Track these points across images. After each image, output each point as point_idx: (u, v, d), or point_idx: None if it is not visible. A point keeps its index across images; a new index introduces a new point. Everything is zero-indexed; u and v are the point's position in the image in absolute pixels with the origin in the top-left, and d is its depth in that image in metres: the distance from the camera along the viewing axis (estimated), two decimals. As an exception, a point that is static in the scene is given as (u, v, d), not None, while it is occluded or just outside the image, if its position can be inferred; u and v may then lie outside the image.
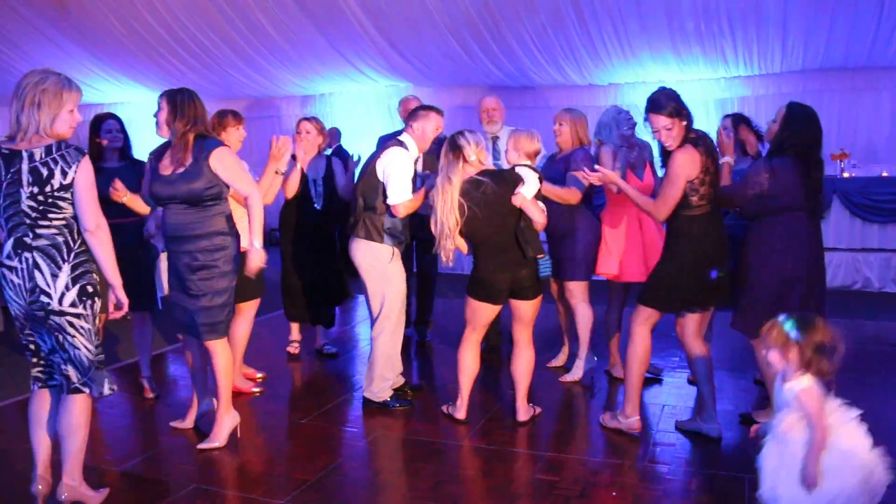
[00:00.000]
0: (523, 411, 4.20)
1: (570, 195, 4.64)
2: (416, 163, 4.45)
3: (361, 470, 3.66)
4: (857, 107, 9.49)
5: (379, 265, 4.33)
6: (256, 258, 3.76)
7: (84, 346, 3.07)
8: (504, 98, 5.95)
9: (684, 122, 3.66)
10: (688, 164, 3.63)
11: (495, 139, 5.49)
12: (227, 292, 3.85)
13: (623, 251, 4.76)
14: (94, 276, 3.12)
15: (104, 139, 4.52)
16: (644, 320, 3.87)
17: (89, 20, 10.25)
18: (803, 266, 3.87)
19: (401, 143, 4.36)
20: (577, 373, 4.90)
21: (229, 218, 3.84)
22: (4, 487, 3.48)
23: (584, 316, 4.85)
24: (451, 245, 3.97)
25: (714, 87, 9.92)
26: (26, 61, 11.71)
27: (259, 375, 5.04)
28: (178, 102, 3.68)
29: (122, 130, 4.60)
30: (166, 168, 3.74)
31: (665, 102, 3.65)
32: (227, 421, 3.94)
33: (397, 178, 4.21)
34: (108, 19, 10.13)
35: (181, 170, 3.68)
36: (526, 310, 4.14)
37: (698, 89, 9.77)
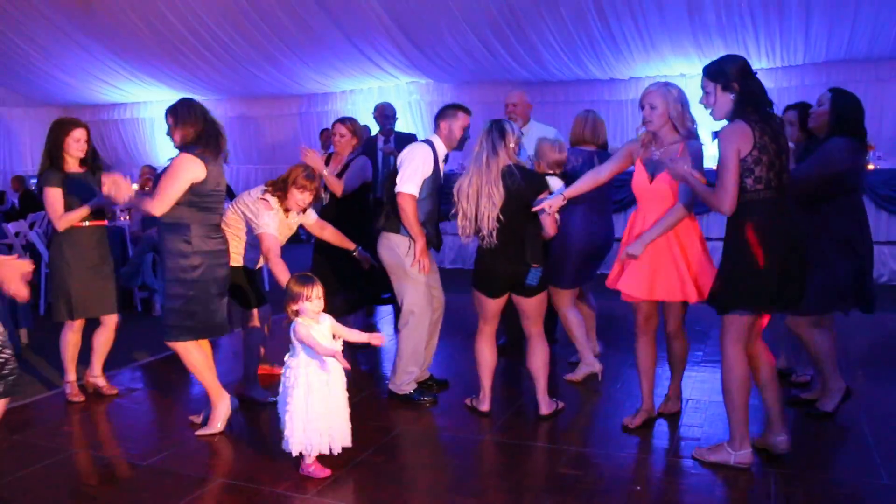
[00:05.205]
0: (545, 405, 4.21)
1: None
2: (444, 161, 4.50)
3: (386, 464, 3.67)
4: (882, 98, 9.35)
5: (397, 259, 4.38)
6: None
7: None
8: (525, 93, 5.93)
9: (731, 95, 3.29)
10: (732, 136, 3.21)
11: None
12: (179, 300, 3.91)
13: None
14: None
15: (72, 147, 4.49)
16: (733, 335, 3.37)
17: (113, 22, 10.40)
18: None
19: (427, 141, 4.46)
20: (578, 374, 4.87)
21: (189, 228, 3.85)
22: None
23: (571, 321, 4.78)
24: (494, 216, 3.89)
25: (736, 80, 9.81)
26: (55, 65, 11.95)
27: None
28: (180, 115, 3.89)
29: (88, 140, 4.59)
30: None
31: (713, 65, 3.36)
32: (221, 408, 4.08)
33: (406, 168, 4.31)
34: (130, 20, 10.27)
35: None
36: (527, 305, 4.15)
37: (720, 82, 9.65)
